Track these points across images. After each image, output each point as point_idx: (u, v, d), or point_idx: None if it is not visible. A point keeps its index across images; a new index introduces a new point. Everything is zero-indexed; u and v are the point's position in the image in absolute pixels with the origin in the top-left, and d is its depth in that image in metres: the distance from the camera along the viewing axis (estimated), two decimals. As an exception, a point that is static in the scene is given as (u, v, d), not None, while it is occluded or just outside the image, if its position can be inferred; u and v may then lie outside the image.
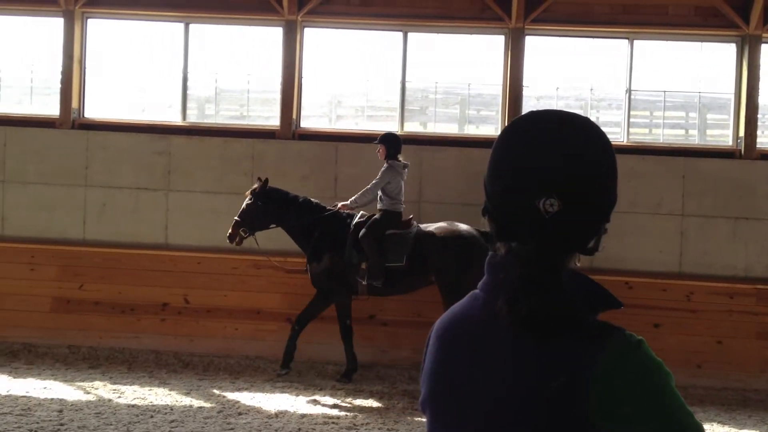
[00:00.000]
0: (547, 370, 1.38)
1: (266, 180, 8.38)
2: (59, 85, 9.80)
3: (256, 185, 8.38)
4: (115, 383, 7.93)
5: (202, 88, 10.08)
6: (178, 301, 9.19)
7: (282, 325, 8.98)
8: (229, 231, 8.32)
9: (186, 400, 7.42)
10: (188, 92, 9.96)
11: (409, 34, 9.74)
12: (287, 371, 8.32)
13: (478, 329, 1.52)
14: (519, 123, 1.56)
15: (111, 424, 6.53)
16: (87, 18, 9.87)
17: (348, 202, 8.34)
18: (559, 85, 9.79)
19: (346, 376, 8.33)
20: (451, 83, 9.91)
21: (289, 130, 9.67)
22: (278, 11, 9.58)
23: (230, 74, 10.02)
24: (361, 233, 8.09)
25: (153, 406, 7.17)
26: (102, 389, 7.71)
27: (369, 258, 8.04)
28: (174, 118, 9.98)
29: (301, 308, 8.42)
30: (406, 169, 8.32)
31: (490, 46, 9.81)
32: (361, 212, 8.39)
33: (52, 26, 9.88)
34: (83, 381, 7.98)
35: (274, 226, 8.44)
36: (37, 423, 6.47)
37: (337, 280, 8.24)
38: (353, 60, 9.93)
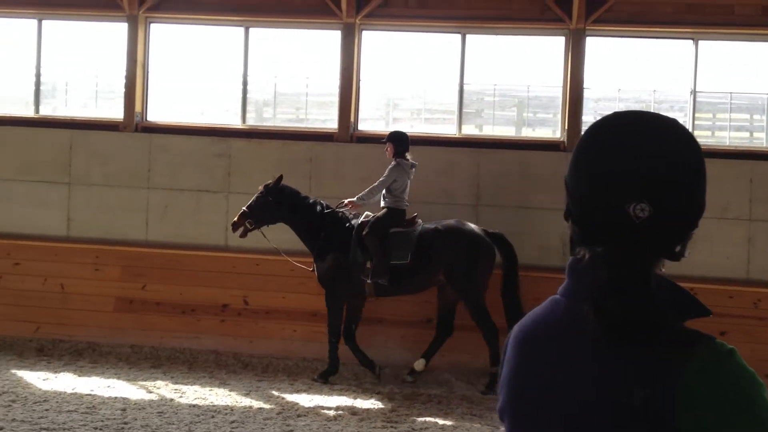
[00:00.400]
0: (634, 377, 1.35)
1: (280, 177, 8.49)
2: (123, 89, 10.00)
3: (270, 181, 8.49)
4: (176, 383, 8.05)
5: (260, 91, 10.18)
6: (237, 303, 9.30)
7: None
8: (234, 219, 8.40)
9: (246, 401, 7.49)
10: (248, 96, 10.07)
11: (468, 36, 9.68)
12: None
13: (560, 335, 1.49)
14: (606, 124, 1.52)
15: (173, 424, 6.62)
16: (150, 22, 10.05)
17: (355, 198, 8.40)
18: (621, 86, 9.62)
19: (374, 373, 8.36)
20: (509, 85, 9.82)
21: (347, 132, 9.69)
22: (337, 14, 9.62)
23: (289, 77, 10.09)
24: (364, 231, 8.14)
25: (214, 406, 7.26)
26: (164, 389, 7.84)
27: (373, 256, 8.08)
28: (234, 121, 10.10)
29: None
30: (414, 169, 8.40)
31: (550, 47, 9.70)
32: (366, 212, 8.46)
33: (117, 31, 10.08)
34: (146, 380, 8.12)
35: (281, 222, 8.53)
36: (102, 421, 6.60)
37: (342, 280, 8.27)
38: (411, 62, 9.91)
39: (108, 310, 9.39)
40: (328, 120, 10.04)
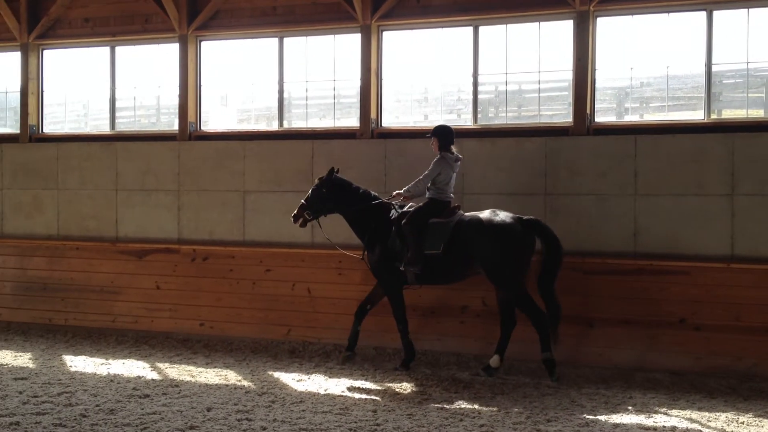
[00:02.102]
0: None
1: (332, 169, 8.98)
2: (358, 98, 10.29)
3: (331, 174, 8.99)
4: (420, 385, 8.09)
5: (489, 89, 10.03)
6: (476, 304, 9.23)
7: (583, 329, 8.71)
8: (295, 212, 9.00)
9: (492, 405, 7.35)
10: (479, 96, 9.97)
11: (714, 13, 8.91)
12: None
13: None
14: None
15: (423, 426, 6.61)
16: (382, 31, 10.25)
17: (402, 191, 8.70)
18: None
19: (404, 366, 8.70)
20: (760, 63, 8.90)
21: (584, 125, 9.29)
22: (569, 3, 9.26)
23: (519, 72, 9.84)
24: (403, 221, 8.42)
25: (461, 409, 7.18)
26: (410, 390, 7.90)
27: (408, 245, 8.33)
28: (464, 121, 10.04)
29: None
30: (458, 162, 8.62)
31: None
32: (410, 203, 8.73)
33: (350, 42, 10.39)
34: (392, 382, 8.24)
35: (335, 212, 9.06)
36: (355, 422, 6.73)
37: (393, 269, 8.57)
38: (648, 46, 9.30)
39: (351, 312, 9.63)
40: (555, 115, 9.70)
